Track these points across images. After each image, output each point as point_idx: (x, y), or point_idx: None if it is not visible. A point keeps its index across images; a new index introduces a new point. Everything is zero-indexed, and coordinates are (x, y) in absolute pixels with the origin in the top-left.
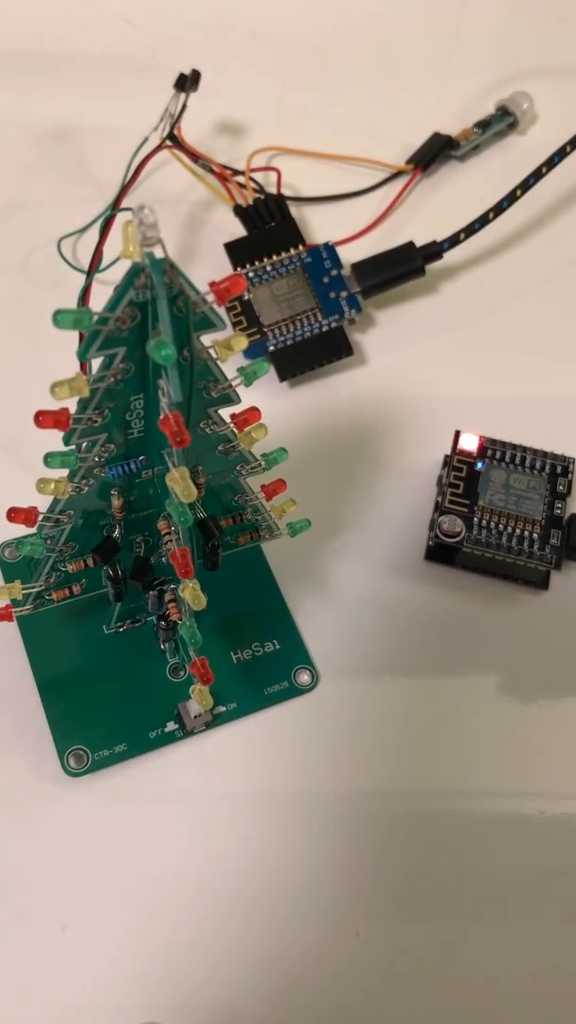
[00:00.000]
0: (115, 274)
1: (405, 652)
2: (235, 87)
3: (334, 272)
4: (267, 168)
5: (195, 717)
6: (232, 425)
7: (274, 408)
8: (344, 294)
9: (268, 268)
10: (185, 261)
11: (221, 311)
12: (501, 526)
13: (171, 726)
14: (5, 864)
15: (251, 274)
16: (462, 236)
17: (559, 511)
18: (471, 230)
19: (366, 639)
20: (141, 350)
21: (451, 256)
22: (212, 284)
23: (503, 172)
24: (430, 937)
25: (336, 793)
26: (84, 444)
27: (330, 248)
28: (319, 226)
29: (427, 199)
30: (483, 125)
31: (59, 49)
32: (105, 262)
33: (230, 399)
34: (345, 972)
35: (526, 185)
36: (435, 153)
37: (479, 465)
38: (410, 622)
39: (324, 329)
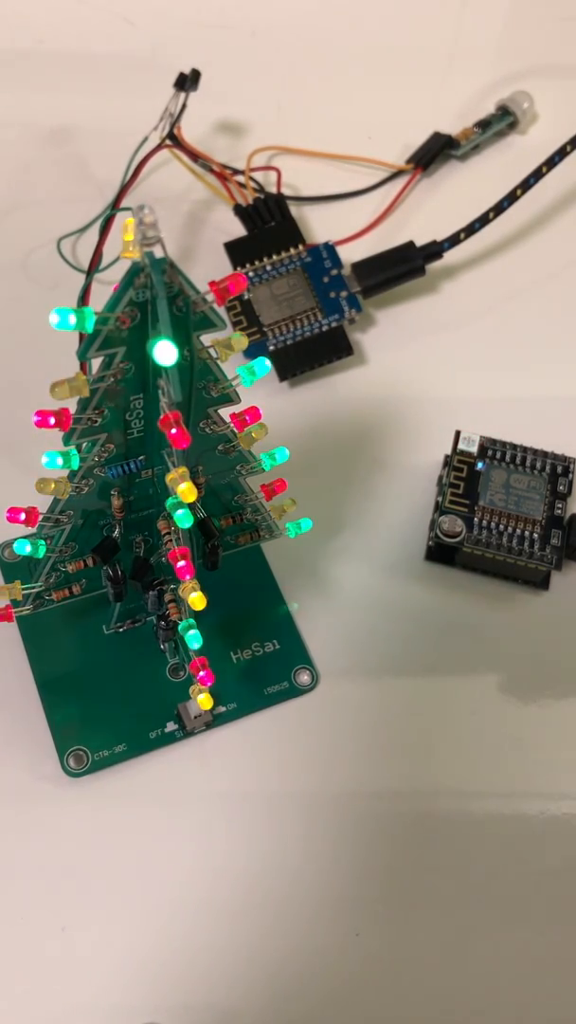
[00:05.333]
0: (115, 274)
1: (405, 652)
2: (235, 87)
3: (334, 272)
4: (267, 168)
5: (195, 717)
6: (232, 425)
7: (274, 408)
8: (344, 294)
9: (268, 268)
10: (185, 261)
11: (221, 311)
12: (501, 526)
13: (171, 726)
14: (5, 864)
15: (251, 274)
16: (462, 236)
17: (559, 511)
18: (471, 230)
19: (366, 639)
20: (141, 350)
21: (451, 256)
22: (212, 284)
23: (503, 172)
24: (430, 937)
25: (336, 793)
26: (84, 444)
27: (330, 248)
28: (319, 226)
29: (427, 199)
30: (483, 125)
31: (59, 49)
32: (105, 262)
33: (230, 399)
34: (345, 972)
35: (526, 185)
36: (435, 153)
37: (479, 465)
38: (410, 622)
39: (324, 329)
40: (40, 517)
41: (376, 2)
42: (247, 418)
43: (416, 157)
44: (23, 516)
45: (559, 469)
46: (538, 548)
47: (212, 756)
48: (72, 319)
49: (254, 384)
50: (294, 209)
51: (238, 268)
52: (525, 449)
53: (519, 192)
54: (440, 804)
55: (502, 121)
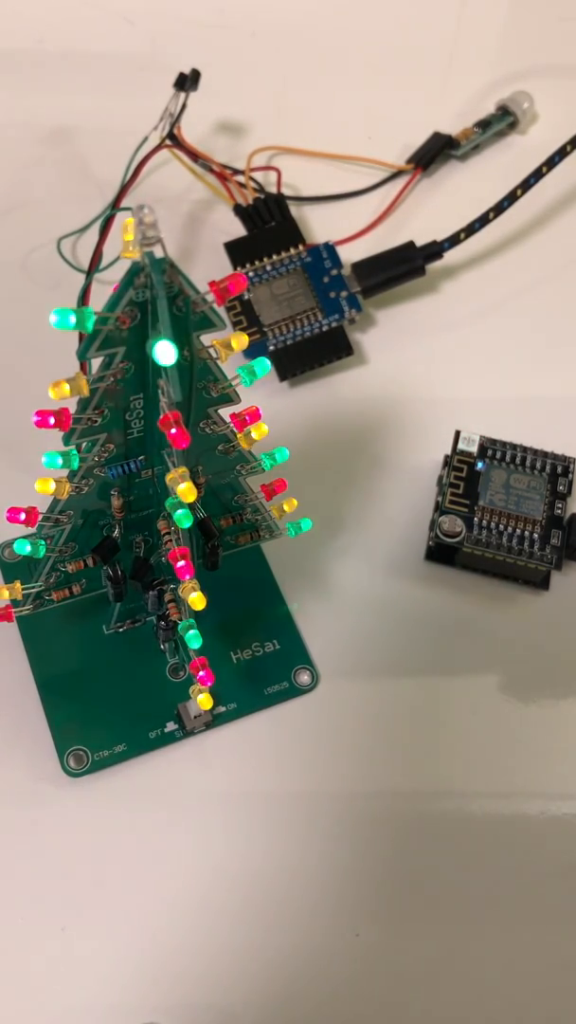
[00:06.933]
0: (115, 274)
1: (405, 652)
2: (235, 87)
3: (334, 272)
4: (267, 168)
5: (195, 717)
6: (232, 425)
7: (274, 408)
8: (344, 294)
9: (268, 268)
10: (185, 261)
11: (221, 311)
12: (501, 526)
13: (171, 726)
14: (5, 864)
15: (251, 274)
16: (462, 236)
17: (559, 511)
18: (471, 230)
19: (366, 639)
20: (141, 350)
21: (451, 256)
22: (212, 284)
23: (503, 172)
24: (430, 937)
25: (336, 793)
26: (84, 444)
27: (330, 248)
28: (319, 226)
29: (427, 199)
30: (483, 124)
31: (59, 49)
32: (105, 262)
33: (230, 399)
34: (345, 972)
35: (526, 185)
36: (435, 153)
37: (479, 465)
38: (410, 622)
39: (324, 329)
40: (40, 517)
41: (376, 2)
42: (247, 418)
43: (416, 157)
44: (23, 516)
45: (559, 469)
46: (538, 548)
47: (212, 756)
48: (72, 319)
49: (254, 384)
50: (294, 209)
51: (238, 268)
52: (525, 449)
53: (519, 192)
54: (440, 804)
55: (502, 121)
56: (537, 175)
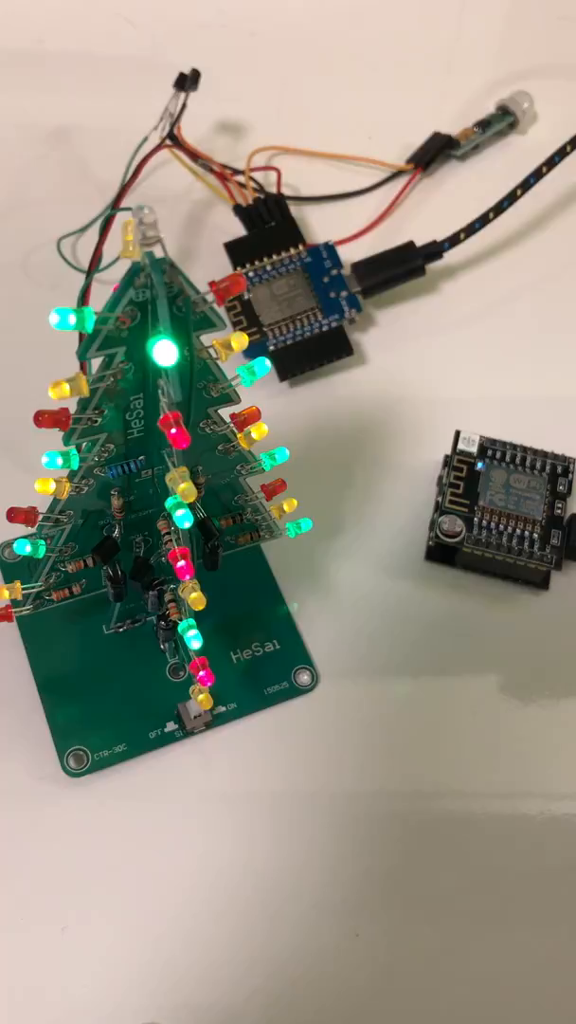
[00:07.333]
0: (115, 274)
1: (405, 652)
2: (235, 87)
3: (334, 272)
4: (267, 168)
5: (195, 717)
6: (232, 425)
7: (274, 408)
8: (344, 294)
9: (268, 268)
10: (185, 261)
11: (221, 310)
12: (501, 526)
13: (171, 726)
14: (5, 864)
15: (251, 274)
16: (462, 236)
17: (559, 511)
18: (471, 230)
19: (366, 639)
20: (141, 350)
21: (451, 256)
22: (212, 284)
23: (503, 172)
24: (430, 937)
25: (336, 793)
26: (84, 444)
27: (330, 248)
28: (319, 226)
29: (427, 199)
30: (483, 125)
31: (59, 49)
32: (105, 262)
33: (230, 399)
34: (345, 972)
35: (526, 185)
36: (435, 153)
37: (479, 465)
38: (410, 622)
39: (324, 329)
40: (40, 517)
41: (376, 2)
42: (247, 418)
43: (416, 157)
44: (23, 516)
45: (559, 469)
46: (538, 548)
47: (212, 756)
48: (72, 319)
49: (254, 384)
50: (294, 209)
51: (238, 268)
52: (525, 449)
53: (519, 192)
54: (440, 804)
55: (502, 121)
56: (537, 175)
